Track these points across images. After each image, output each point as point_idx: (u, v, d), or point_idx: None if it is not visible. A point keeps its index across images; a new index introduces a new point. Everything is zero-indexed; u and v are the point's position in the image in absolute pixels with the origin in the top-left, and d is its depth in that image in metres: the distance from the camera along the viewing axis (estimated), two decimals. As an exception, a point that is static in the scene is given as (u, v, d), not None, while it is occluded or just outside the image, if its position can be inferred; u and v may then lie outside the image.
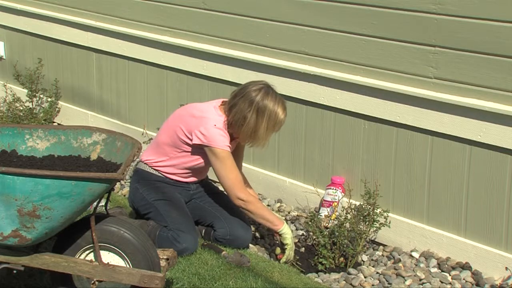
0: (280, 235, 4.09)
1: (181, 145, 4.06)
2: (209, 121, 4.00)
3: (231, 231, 4.15)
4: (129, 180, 4.73)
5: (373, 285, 3.96)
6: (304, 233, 4.50)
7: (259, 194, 5.08)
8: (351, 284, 3.97)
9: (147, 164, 4.18)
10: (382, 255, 4.34)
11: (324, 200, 4.63)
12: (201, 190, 4.28)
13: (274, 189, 5.03)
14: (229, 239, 4.15)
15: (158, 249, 3.28)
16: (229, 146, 4.01)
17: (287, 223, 4.66)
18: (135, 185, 4.18)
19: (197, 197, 4.27)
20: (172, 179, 4.17)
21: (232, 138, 4.10)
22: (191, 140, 4.01)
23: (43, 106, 6.36)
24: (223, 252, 3.97)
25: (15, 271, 3.12)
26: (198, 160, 4.09)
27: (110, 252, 3.13)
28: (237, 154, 4.25)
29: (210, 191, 4.30)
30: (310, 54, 4.71)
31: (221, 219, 4.18)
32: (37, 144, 3.31)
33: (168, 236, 3.95)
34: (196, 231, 4.09)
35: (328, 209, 4.58)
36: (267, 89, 4.01)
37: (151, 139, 5.22)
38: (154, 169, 4.16)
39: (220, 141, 3.97)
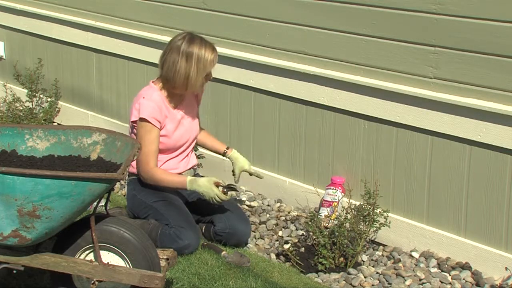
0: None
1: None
2: (140, 96, 4.06)
3: (231, 224, 4.16)
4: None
5: (373, 285, 3.96)
6: (304, 233, 4.50)
7: (259, 194, 5.09)
8: (351, 284, 3.97)
9: (135, 174, 4.18)
10: (382, 255, 4.34)
11: (324, 200, 4.63)
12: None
13: (274, 189, 5.03)
14: (228, 232, 4.16)
15: (158, 249, 3.28)
16: (157, 120, 4.00)
17: (287, 223, 4.68)
18: (132, 193, 4.19)
19: (193, 197, 4.26)
20: None
21: (180, 101, 4.13)
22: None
23: (43, 106, 6.35)
24: (223, 252, 3.97)
25: (15, 271, 3.12)
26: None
27: (110, 252, 3.13)
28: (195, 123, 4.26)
29: None
30: (310, 54, 4.71)
31: (220, 213, 4.19)
32: (37, 144, 3.31)
33: (170, 233, 3.95)
34: (197, 227, 4.09)
35: (328, 209, 4.58)
36: (191, 36, 4.07)
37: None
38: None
39: (146, 110, 3.99)
